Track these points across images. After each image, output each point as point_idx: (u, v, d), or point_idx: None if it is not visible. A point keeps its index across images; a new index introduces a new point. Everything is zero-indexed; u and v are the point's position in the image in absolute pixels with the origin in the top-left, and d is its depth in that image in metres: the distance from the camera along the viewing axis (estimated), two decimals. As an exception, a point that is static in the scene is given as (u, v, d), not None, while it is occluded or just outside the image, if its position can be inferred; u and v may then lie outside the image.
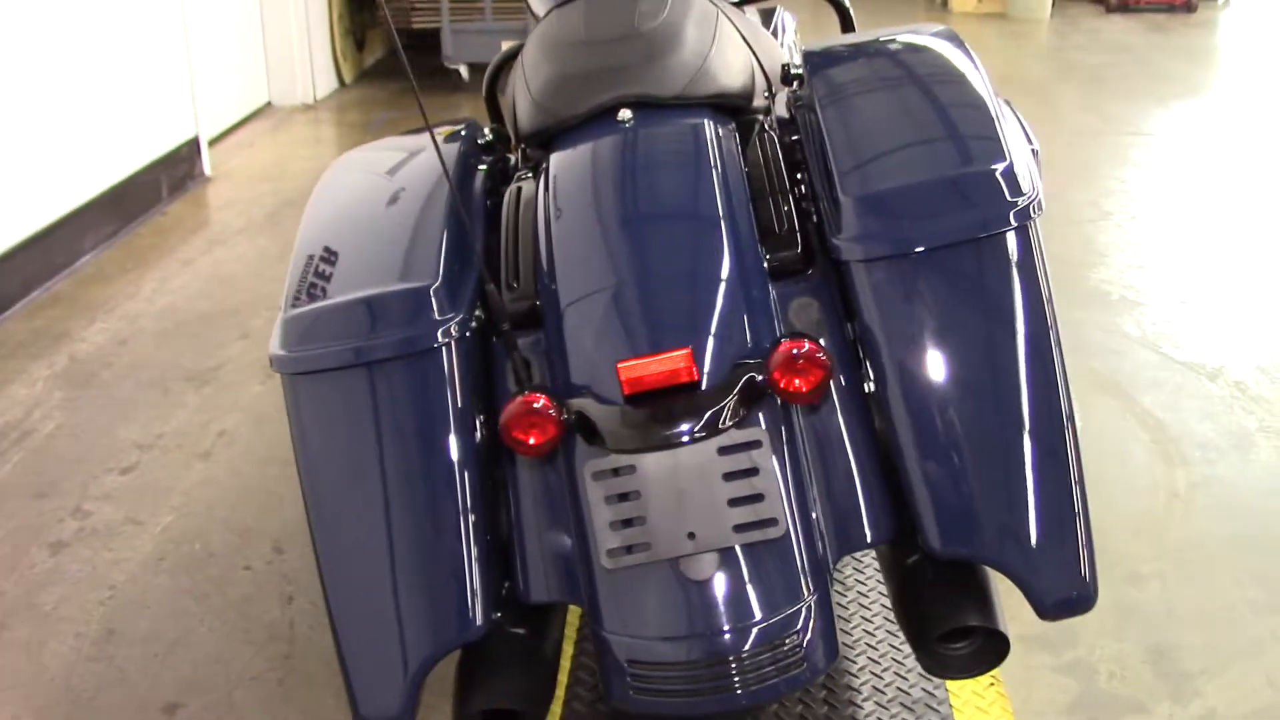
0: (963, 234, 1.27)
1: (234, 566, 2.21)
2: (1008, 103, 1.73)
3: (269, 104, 5.70)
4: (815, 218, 1.41)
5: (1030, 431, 1.26)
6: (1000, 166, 1.30)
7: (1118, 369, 2.91)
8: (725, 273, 1.32)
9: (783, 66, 1.78)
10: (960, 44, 1.56)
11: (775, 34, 2.41)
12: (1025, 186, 1.29)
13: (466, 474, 1.30)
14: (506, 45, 2.29)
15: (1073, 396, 1.28)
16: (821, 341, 1.29)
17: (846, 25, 2.63)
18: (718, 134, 1.47)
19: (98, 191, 3.78)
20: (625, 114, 1.49)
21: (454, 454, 1.30)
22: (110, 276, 3.57)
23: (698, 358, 1.25)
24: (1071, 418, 1.27)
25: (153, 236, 3.93)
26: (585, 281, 1.34)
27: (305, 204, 1.60)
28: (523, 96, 1.63)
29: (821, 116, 1.45)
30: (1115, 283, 3.43)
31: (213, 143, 4.89)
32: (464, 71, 5.86)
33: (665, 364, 1.24)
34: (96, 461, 2.56)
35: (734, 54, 1.65)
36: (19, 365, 3.01)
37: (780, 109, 1.68)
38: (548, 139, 1.56)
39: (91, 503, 2.42)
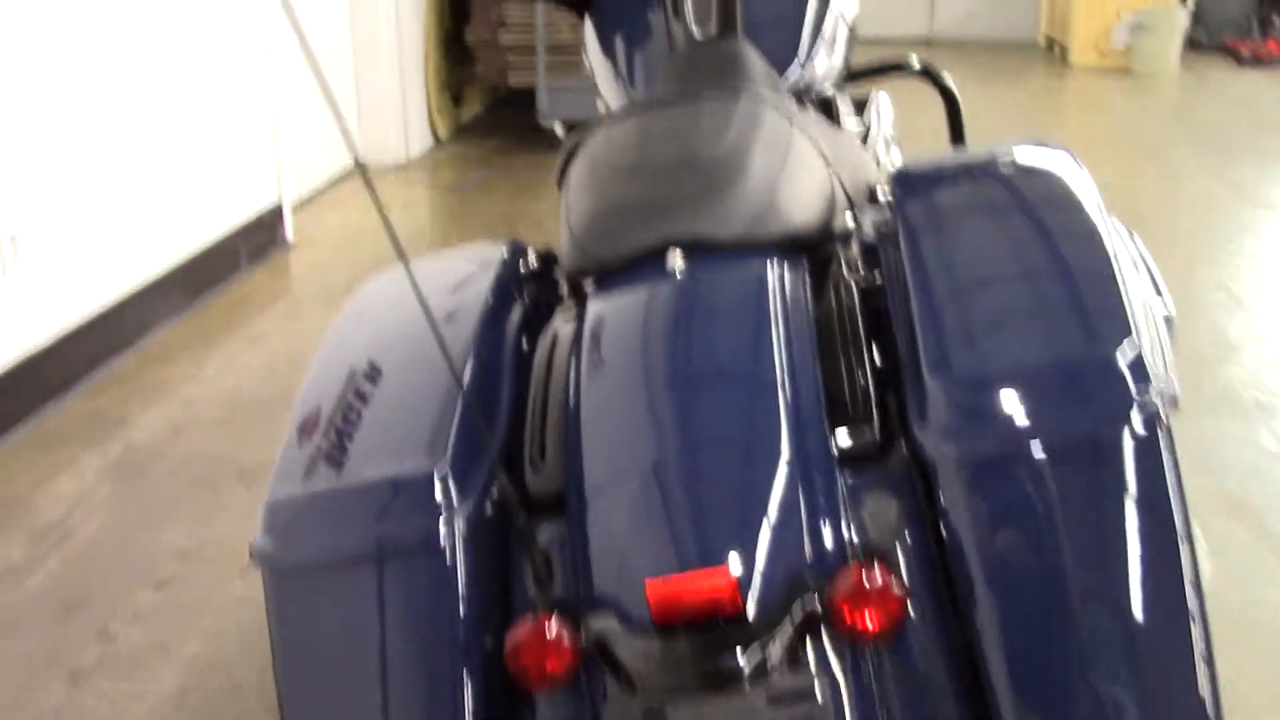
0: (1078, 437, 1.03)
1: (260, 705, 2.03)
2: (1132, 234, 1.47)
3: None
4: (897, 390, 1.17)
5: (1154, 688, 1.01)
6: (1127, 351, 1.05)
7: (1253, 490, 2.60)
8: (783, 462, 1.08)
9: (869, 188, 1.55)
10: (1080, 171, 1.31)
11: (870, 126, 2.17)
12: (1157, 378, 1.04)
13: (469, 693, 1.09)
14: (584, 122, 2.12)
15: (1212, 642, 1.03)
16: (900, 556, 1.06)
17: (954, 117, 2.40)
18: (783, 285, 1.24)
19: (171, 264, 3.67)
20: (676, 259, 1.26)
21: (457, 671, 1.09)
22: (176, 354, 3.45)
23: (745, 576, 1.01)
24: (1211, 667, 1.01)
25: (226, 309, 3.82)
26: (613, 467, 1.11)
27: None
28: (564, 227, 1.41)
29: (907, 263, 1.22)
30: (1249, 383, 3.11)
31: (301, 205, 4.80)
32: (559, 130, 5.70)
33: (703, 586, 1.01)
34: (132, 572, 2.41)
35: (809, 179, 1.41)
36: (71, 454, 2.88)
37: (867, 229, 1.43)
38: (591, 280, 1.34)
39: (119, 623, 2.26)
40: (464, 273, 1.49)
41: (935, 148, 2.48)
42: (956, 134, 2.44)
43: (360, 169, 1.08)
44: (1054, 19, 8.24)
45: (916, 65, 2.38)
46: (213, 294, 3.88)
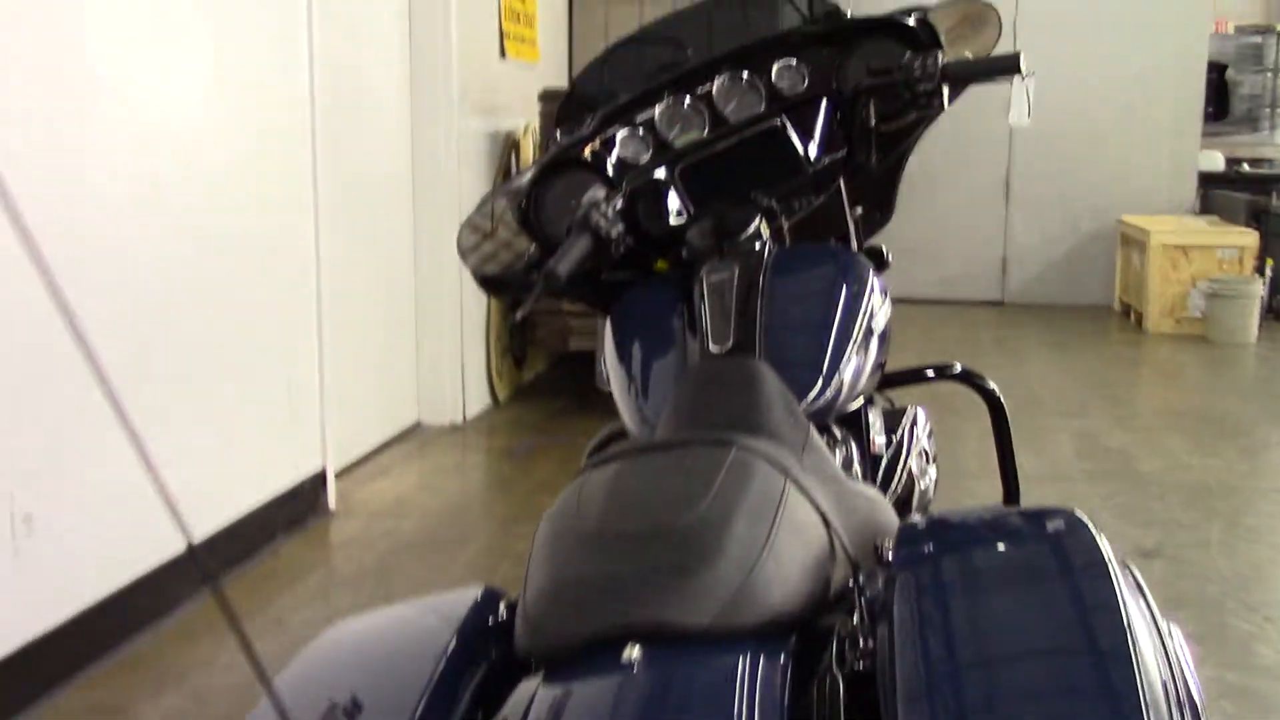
0: None
1: None
2: (1139, 581, 1.28)
3: (418, 423, 5.56)
4: None
5: None
6: None
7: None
8: None
9: (875, 547, 1.38)
10: (1092, 534, 1.15)
11: (904, 443, 2.02)
12: None
13: None
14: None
15: None
16: None
17: (999, 424, 2.25)
18: (754, 683, 1.07)
19: (199, 536, 3.58)
20: (632, 650, 1.10)
21: None
22: (197, 636, 3.31)
23: None
24: None
25: (254, 583, 3.69)
26: None
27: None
28: (520, 600, 1.26)
29: (897, 643, 1.05)
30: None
31: (348, 470, 4.74)
32: (617, 394, 5.65)
33: None
34: None
35: (800, 549, 1.24)
36: (63, 751, 2.72)
37: (869, 598, 1.26)
38: (543, 664, 1.18)
39: None
40: (427, 627, 1.34)
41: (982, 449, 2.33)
42: (1002, 442, 2.29)
43: (192, 554, 0.94)
44: (1128, 284, 8.18)
45: (957, 369, 2.27)
46: (244, 567, 3.77)
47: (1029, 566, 1.17)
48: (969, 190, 8.96)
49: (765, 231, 1.99)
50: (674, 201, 2.06)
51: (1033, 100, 2.26)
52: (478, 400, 5.78)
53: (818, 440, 1.62)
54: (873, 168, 2.12)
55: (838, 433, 1.91)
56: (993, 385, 2.26)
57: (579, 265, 1.88)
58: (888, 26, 2.13)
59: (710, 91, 2.05)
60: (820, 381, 1.74)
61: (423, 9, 5.33)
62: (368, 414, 5.06)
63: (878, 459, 2.01)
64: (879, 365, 1.97)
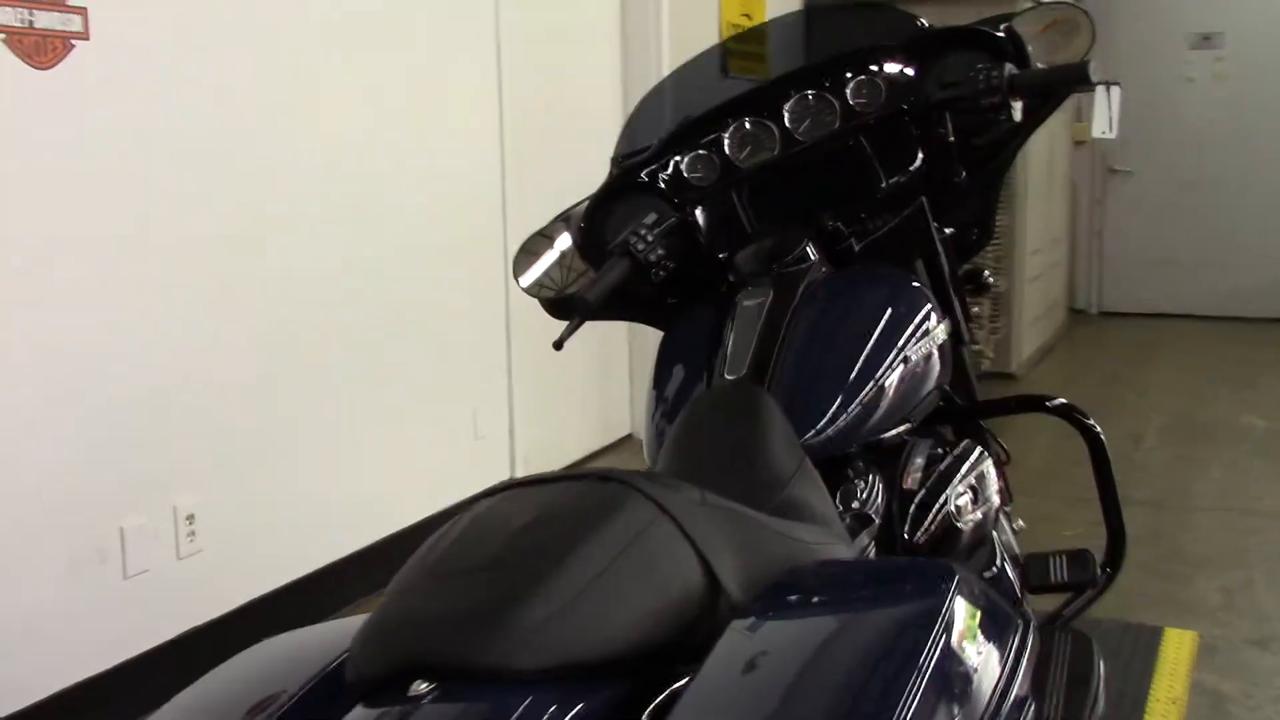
0: None
1: None
2: (1023, 642, 1.15)
3: (630, 435, 5.61)
4: None
5: None
6: None
7: None
8: None
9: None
10: (951, 591, 1.05)
11: (941, 486, 1.86)
12: None
13: None
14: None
15: None
16: None
17: (1099, 463, 2.08)
18: None
19: (367, 542, 3.73)
20: (418, 687, 1.05)
21: None
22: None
23: None
24: None
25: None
26: None
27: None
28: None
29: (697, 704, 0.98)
30: None
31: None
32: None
33: None
34: None
35: (648, 591, 1.15)
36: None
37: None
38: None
39: None
40: (330, 646, 1.34)
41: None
42: (1105, 485, 2.10)
43: None
44: None
45: (1055, 402, 2.10)
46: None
47: (862, 616, 1.11)
48: (1259, 196, 8.28)
49: (813, 254, 1.90)
50: (738, 222, 2.01)
51: (1117, 111, 2.06)
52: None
53: (809, 475, 1.54)
54: (960, 185, 1.98)
55: (861, 466, 1.80)
56: (1092, 421, 2.09)
57: (612, 291, 1.86)
58: (967, 37, 2.00)
59: (781, 110, 1.97)
60: (829, 414, 1.67)
61: (636, 39, 5.39)
62: (573, 426, 5.15)
63: (910, 496, 1.87)
64: (923, 397, 1.85)
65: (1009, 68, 1.89)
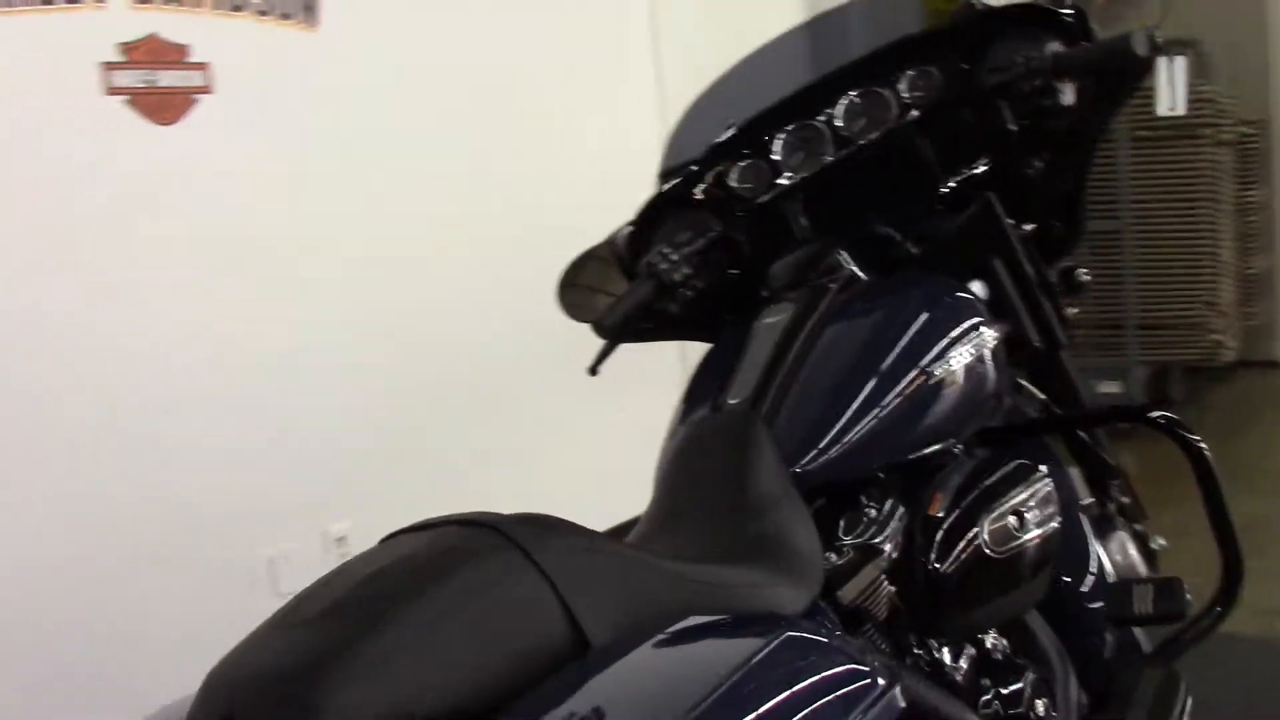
0: None
1: None
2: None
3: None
4: None
5: None
6: None
7: None
8: None
9: None
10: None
11: (975, 512, 1.70)
12: None
13: None
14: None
15: None
16: None
17: (1206, 481, 1.88)
18: None
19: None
20: None
21: None
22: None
23: None
24: None
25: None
26: None
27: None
28: None
29: None
30: None
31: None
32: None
33: None
34: None
35: (493, 637, 1.09)
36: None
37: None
38: None
39: None
40: None
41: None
42: (1214, 505, 1.88)
43: None
44: None
45: (1151, 413, 1.89)
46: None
47: (682, 671, 1.08)
48: None
49: (848, 264, 1.80)
50: (789, 232, 1.93)
51: (1182, 85, 1.84)
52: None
53: (790, 507, 1.47)
54: (1034, 178, 1.83)
55: (878, 492, 1.67)
56: (1195, 436, 1.87)
57: (638, 313, 1.82)
58: (1027, 13, 1.84)
59: (832, 110, 1.88)
60: (829, 439, 1.57)
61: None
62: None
63: (936, 523, 1.72)
64: (963, 413, 1.71)
65: (1053, 47, 1.73)
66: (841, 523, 1.62)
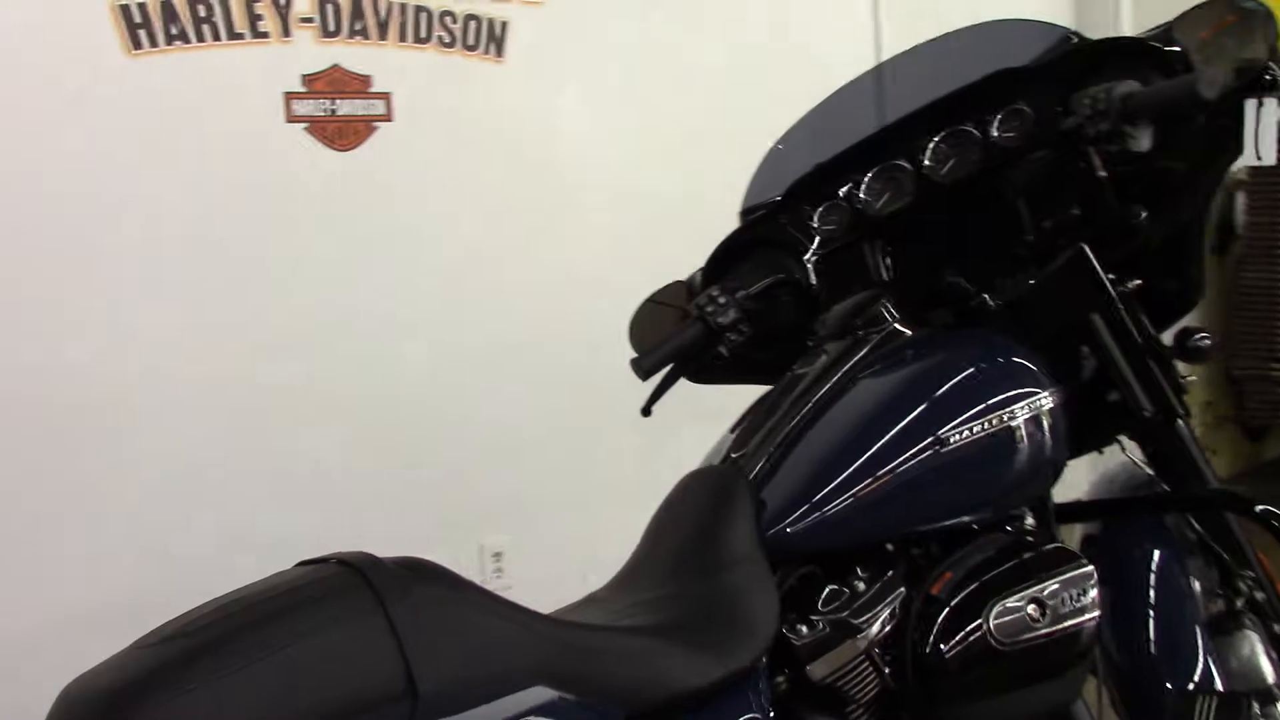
0: None
1: None
2: None
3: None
4: None
5: None
6: None
7: None
8: None
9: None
10: None
11: (982, 599, 1.58)
12: None
13: None
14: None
15: None
16: None
17: None
18: None
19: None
20: None
21: None
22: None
23: None
24: None
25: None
26: None
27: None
28: None
29: None
30: None
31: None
32: None
33: None
34: None
35: (319, 679, 1.10)
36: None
37: None
38: None
39: None
40: None
41: None
42: None
43: None
44: None
45: (1261, 509, 1.69)
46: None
47: None
48: None
49: (892, 317, 1.72)
50: (865, 278, 1.87)
51: (1271, 132, 1.63)
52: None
53: (755, 569, 1.45)
54: (1138, 229, 1.71)
55: (875, 565, 1.58)
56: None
57: (675, 356, 1.80)
58: (1126, 49, 1.72)
59: (917, 152, 1.80)
60: (809, 505, 1.51)
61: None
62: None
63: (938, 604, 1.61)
64: (994, 485, 1.62)
65: (1123, 88, 1.62)
66: (823, 594, 1.55)
